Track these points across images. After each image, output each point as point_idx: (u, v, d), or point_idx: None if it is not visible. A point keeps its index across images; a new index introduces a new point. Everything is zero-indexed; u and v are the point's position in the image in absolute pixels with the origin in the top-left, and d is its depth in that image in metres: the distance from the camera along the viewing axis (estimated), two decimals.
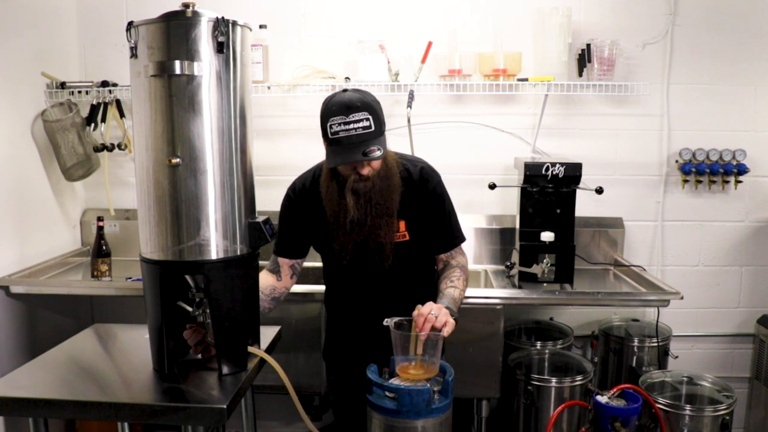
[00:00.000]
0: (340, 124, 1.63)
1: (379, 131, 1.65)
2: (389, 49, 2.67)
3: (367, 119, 1.63)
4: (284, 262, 1.92)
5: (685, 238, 2.96)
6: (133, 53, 1.49)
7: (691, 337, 3.02)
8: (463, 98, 2.87)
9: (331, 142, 1.66)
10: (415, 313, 1.59)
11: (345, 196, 1.72)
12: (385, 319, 1.58)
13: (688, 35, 2.83)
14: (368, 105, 1.65)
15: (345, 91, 1.69)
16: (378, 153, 1.63)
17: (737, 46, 2.83)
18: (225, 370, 1.58)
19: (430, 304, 1.61)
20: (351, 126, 1.62)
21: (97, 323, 2.04)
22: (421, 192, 1.82)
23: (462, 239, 1.91)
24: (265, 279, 1.90)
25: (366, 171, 1.70)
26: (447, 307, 1.64)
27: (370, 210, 1.72)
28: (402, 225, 1.80)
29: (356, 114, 1.62)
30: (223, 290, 1.55)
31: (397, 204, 1.76)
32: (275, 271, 1.92)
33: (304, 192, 1.87)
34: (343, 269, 1.84)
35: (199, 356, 1.69)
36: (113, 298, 2.81)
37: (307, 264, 1.98)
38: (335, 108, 1.64)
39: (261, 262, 1.72)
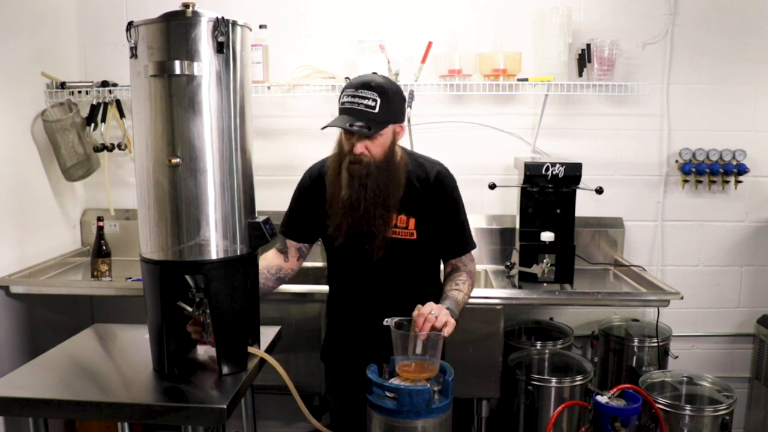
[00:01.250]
0: (349, 96, 1.68)
1: (382, 116, 1.67)
2: (389, 49, 2.67)
3: (374, 100, 1.65)
4: (291, 244, 1.93)
5: (685, 238, 2.96)
6: (133, 53, 1.49)
7: (691, 337, 3.02)
8: (463, 98, 2.87)
9: (339, 111, 1.71)
10: (415, 312, 1.59)
11: (341, 173, 1.74)
12: (386, 319, 1.58)
13: (688, 35, 2.83)
14: (382, 89, 1.67)
15: (375, 73, 1.74)
16: (363, 129, 1.64)
17: (737, 46, 2.83)
18: (225, 370, 1.58)
19: (430, 304, 1.60)
20: (356, 100, 1.66)
21: (97, 323, 2.04)
22: (436, 194, 1.82)
23: (473, 246, 1.91)
24: (273, 258, 1.90)
25: (358, 149, 1.69)
26: (448, 308, 1.63)
27: (364, 195, 1.72)
28: (412, 223, 1.80)
29: (366, 92, 1.66)
30: (223, 290, 1.55)
31: (396, 200, 1.76)
32: (283, 251, 1.92)
33: (319, 177, 1.87)
34: (342, 262, 1.84)
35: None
36: (113, 298, 2.81)
37: (307, 264, 1.98)
38: (354, 82, 1.71)
39: None
